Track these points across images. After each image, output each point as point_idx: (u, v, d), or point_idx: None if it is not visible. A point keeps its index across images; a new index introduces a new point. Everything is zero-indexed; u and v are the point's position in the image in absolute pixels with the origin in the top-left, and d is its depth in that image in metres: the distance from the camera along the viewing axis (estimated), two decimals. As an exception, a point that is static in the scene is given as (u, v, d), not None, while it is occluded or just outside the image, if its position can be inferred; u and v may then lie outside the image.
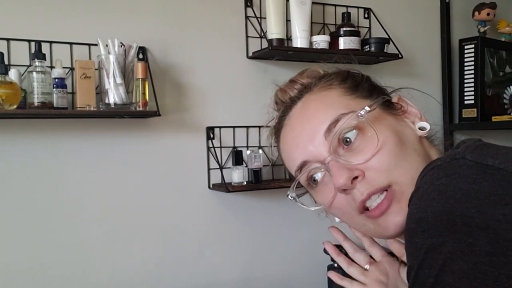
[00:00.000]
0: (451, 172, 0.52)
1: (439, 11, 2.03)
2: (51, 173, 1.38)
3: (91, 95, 1.32)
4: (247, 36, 1.64)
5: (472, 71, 1.94)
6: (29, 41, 1.33)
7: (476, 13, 1.97)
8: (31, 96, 1.26)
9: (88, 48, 1.41)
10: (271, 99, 0.78)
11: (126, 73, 1.35)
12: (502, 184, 0.49)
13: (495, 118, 1.87)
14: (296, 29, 1.59)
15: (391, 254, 0.82)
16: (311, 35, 1.64)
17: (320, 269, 1.70)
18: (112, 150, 1.46)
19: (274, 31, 1.56)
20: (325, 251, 1.67)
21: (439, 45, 2.03)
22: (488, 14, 1.95)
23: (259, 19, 1.64)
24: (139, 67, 1.36)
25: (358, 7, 1.83)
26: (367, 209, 0.63)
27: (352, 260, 0.87)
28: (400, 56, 1.75)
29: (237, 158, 1.54)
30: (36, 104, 1.25)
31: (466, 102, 1.96)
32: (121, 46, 1.34)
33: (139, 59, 1.43)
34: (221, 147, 1.60)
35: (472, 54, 1.94)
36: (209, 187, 1.59)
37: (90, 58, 1.40)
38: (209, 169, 1.59)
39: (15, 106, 1.21)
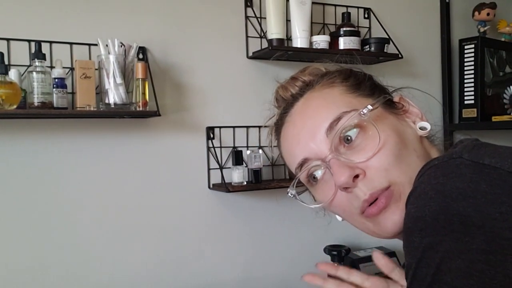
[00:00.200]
0: (448, 171, 0.52)
1: (439, 11, 2.03)
2: (51, 173, 1.38)
3: (91, 95, 1.32)
4: (247, 36, 1.64)
5: (472, 71, 1.94)
6: (29, 41, 1.34)
7: (476, 13, 1.97)
8: (31, 96, 1.26)
9: (88, 48, 1.41)
10: (272, 96, 0.78)
11: (126, 73, 1.35)
12: (499, 183, 0.49)
13: (495, 118, 1.87)
14: (296, 29, 1.59)
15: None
16: (311, 35, 1.64)
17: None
18: (112, 150, 1.46)
19: (274, 31, 1.57)
20: (325, 250, 1.67)
21: (439, 45, 2.03)
22: (488, 14, 1.95)
23: (259, 19, 1.64)
24: (139, 67, 1.37)
25: (358, 7, 1.83)
26: None
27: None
28: (400, 56, 1.75)
29: (237, 158, 1.54)
30: (36, 104, 1.26)
31: (466, 102, 1.96)
32: (121, 46, 1.34)
33: (139, 59, 1.43)
34: (221, 147, 1.60)
35: (472, 54, 1.94)
36: (209, 187, 1.59)
37: (90, 58, 1.40)
38: (209, 169, 1.59)
39: (15, 106, 1.21)
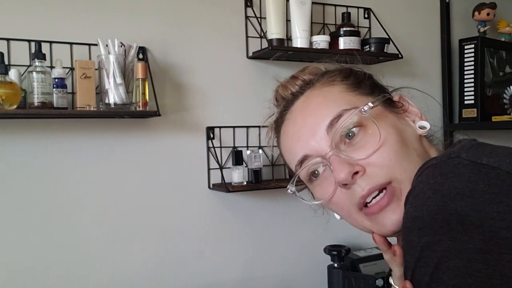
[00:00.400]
0: (446, 171, 0.53)
1: (439, 11, 2.03)
2: (51, 173, 1.39)
3: (91, 95, 1.32)
4: (247, 36, 1.64)
5: (472, 71, 1.94)
6: (29, 41, 1.34)
7: (476, 13, 1.97)
8: (31, 96, 1.26)
9: (88, 48, 1.41)
10: (272, 95, 0.78)
11: (126, 73, 1.35)
12: (497, 182, 0.49)
13: (495, 118, 1.87)
14: (296, 29, 1.59)
15: None
16: (311, 35, 1.64)
17: (320, 269, 1.71)
18: (112, 150, 1.46)
19: (274, 31, 1.57)
20: (325, 250, 1.67)
21: (439, 45, 2.03)
22: (488, 14, 1.95)
23: (259, 19, 1.64)
24: (139, 67, 1.37)
25: (358, 7, 1.83)
26: (365, 205, 0.64)
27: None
28: (400, 56, 1.75)
29: (237, 158, 1.54)
30: (36, 104, 1.26)
31: (466, 102, 1.96)
32: (121, 46, 1.34)
33: (139, 59, 1.44)
34: (221, 147, 1.61)
35: (472, 54, 1.94)
36: (209, 187, 1.59)
37: (90, 58, 1.40)
38: (209, 169, 1.59)
39: (15, 106, 1.21)
